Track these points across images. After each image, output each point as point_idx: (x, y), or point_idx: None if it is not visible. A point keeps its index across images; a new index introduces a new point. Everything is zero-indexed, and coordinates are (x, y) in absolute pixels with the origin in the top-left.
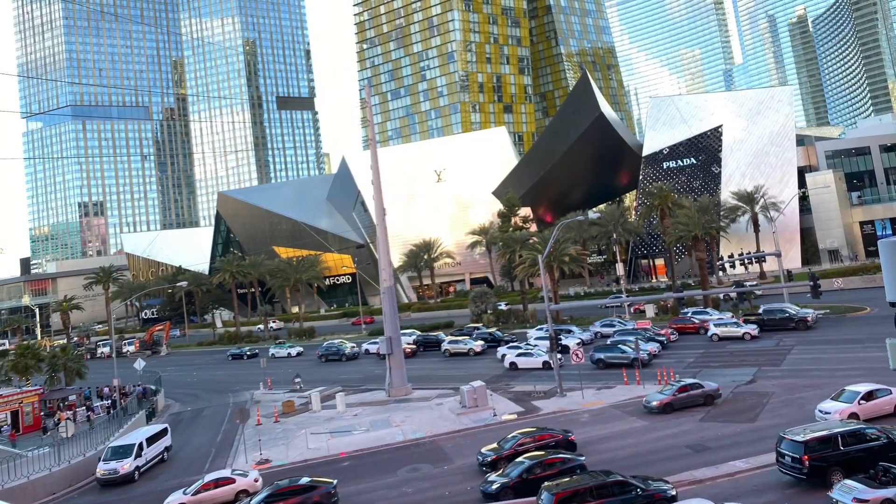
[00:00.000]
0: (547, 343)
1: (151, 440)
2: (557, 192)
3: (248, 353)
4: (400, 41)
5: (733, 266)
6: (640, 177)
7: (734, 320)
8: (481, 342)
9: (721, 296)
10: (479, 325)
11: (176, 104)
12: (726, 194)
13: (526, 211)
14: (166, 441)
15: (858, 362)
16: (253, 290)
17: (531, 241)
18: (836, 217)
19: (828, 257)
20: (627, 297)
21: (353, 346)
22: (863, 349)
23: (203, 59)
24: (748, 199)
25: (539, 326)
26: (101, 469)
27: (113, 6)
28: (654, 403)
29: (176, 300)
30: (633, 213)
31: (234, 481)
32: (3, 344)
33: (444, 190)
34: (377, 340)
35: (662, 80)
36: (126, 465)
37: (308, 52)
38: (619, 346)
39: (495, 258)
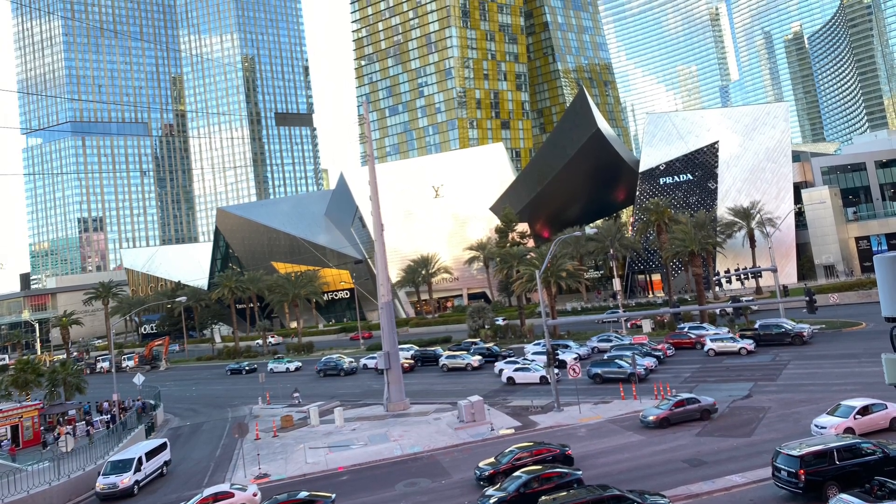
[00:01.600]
0: (544, 358)
1: (151, 454)
2: (555, 207)
3: (247, 367)
4: (398, 58)
5: (729, 281)
6: (637, 192)
7: (730, 335)
8: (479, 357)
9: (717, 311)
10: (477, 340)
11: (175, 120)
12: (722, 210)
13: (523, 226)
14: (165, 455)
15: (854, 377)
16: (252, 305)
17: (528, 256)
18: (831, 233)
19: (823, 273)
20: (624, 312)
21: (352, 361)
22: (858, 364)
23: (202, 75)
24: (744, 214)
25: (536, 341)
26: (101, 483)
27: (112, 23)
28: (651, 418)
29: (175, 315)
30: (630, 228)
31: (232, 496)
32: (3, 359)
33: (441, 206)
34: (375, 355)
35: (659, 96)
36: (125, 480)
37: (306, 69)
38: (616, 361)
39: (493, 273)
